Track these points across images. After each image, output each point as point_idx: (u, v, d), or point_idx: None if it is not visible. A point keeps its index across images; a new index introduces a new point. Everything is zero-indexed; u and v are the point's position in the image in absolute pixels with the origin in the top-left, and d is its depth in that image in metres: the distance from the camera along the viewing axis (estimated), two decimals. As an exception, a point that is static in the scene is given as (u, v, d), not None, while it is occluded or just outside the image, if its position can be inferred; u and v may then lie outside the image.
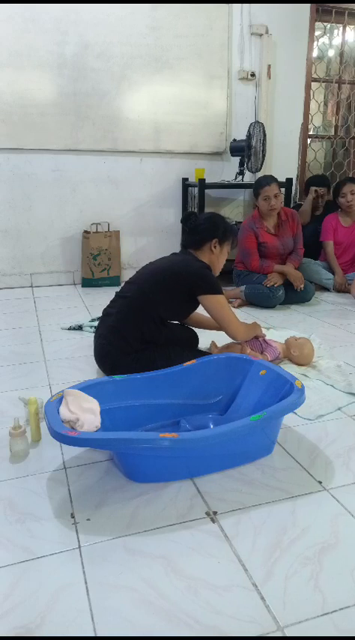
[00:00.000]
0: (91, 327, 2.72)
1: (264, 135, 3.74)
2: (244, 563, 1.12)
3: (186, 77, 3.85)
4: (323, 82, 4.53)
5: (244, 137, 3.80)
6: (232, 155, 3.95)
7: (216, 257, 2.15)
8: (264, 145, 3.75)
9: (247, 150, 3.78)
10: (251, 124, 3.82)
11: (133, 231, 4.05)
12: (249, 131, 3.79)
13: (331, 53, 4.57)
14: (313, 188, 3.94)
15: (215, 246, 2.12)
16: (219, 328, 2.27)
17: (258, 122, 3.81)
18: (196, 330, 2.31)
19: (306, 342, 2.24)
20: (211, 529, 1.23)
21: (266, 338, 2.20)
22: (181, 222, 2.31)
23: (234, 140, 3.98)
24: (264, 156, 3.77)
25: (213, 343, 2.28)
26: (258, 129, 3.76)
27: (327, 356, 2.36)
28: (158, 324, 2.01)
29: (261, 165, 3.82)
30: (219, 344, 2.29)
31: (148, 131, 3.85)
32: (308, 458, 1.54)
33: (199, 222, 2.16)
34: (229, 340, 2.24)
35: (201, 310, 2.18)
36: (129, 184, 3.94)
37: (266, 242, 3.36)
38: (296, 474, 1.46)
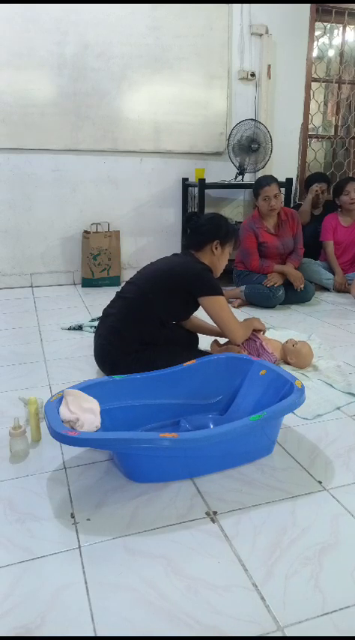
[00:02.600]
0: (91, 327, 2.72)
1: (262, 132, 3.73)
2: (244, 563, 1.12)
3: (186, 77, 3.84)
4: (323, 82, 4.53)
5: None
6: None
7: (217, 258, 2.14)
8: (258, 143, 3.75)
9: (239, 152, 3.78)
10: (234, 126, 3.80)
11: (133, 231, 4.05)
12: (231, 134, 3.77)
13: (331, 53, 4.57)
14: (313, 188, 3.94)
15: (216, 248, 2.12)
16: (218, 334, 2.27)
17: (249, 120, 3.80)
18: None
19: (303, 347, 2.20)
20: (211, 529, 1.23)
21: (264, 343, 2.18)
22: (184, 222, 2.32)
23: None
24: (267, 155, 3.77)
25: (215, 341, 2.28)
26: (245, 127, 3.75)
27: (327, 356, 2.35)
28: (158, 325, 2.00)
29: (264, 165, 3.82)
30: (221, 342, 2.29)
31: (148, 131, 3.85)
32: (308, 458, 1.54)
33: (201, 223, 2.16)
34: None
35: (200, 315, 2.19)
36: (129, 184, 3.94)
37: (266, 242, 3.36)
38: (296, 474, 1.46)
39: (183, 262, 2.09)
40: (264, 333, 2.27)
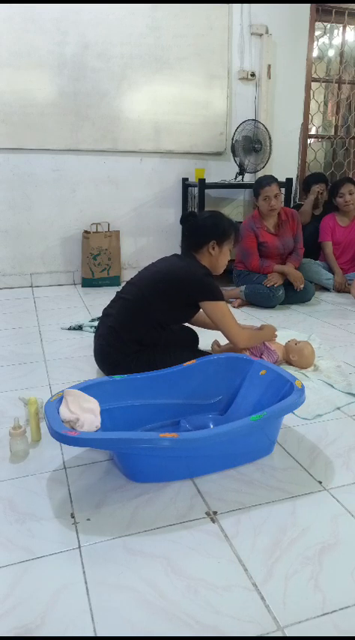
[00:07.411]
0: (91, 327, 2.72)
1: (262, 132, 3.74)
2: (244, 563, 1.12)
3: (186, 77, 3.84)
4: (323, 82, 4.53)
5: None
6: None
7: (216, 258, 2.12)
8: (260, 144, 3.76)
9: (242, 151, 3.80)
10: (240, 124, 3.81)
11: (133, 231, 4.05)
12: (235, 132, 3.79)
13: (331, 53, 4.57)
14: (315, 188, 3.94)
15: (213, 248, 2.09)
16: None
17: (251, 120, 3.80)
18: (197, 329, 2.30)
19: (305, 346, 2.20)
20: (211, 529, 1.23)
21: (267, 342, 2.18)
22: (180, 223, 2.30)
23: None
24: (266, 156, 3.78)
25: (216, 342, 2.27)
26: (249, 127, 3.75)
27: (327, 356, 2.35)
28: (157, 328, 1.99)
29: (263, 166, 3.82)
30: (222, 343, 2.28)
31: (148, 131, 3.85)
32: (308, 458, 1.54)
33: (198, 223, 2.14)
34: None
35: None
36: (129, 184, 3.94)
37: (266, 242, 3.36)
38: (296, 473, 1.46)
39: (184, 266, 2.06)
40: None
